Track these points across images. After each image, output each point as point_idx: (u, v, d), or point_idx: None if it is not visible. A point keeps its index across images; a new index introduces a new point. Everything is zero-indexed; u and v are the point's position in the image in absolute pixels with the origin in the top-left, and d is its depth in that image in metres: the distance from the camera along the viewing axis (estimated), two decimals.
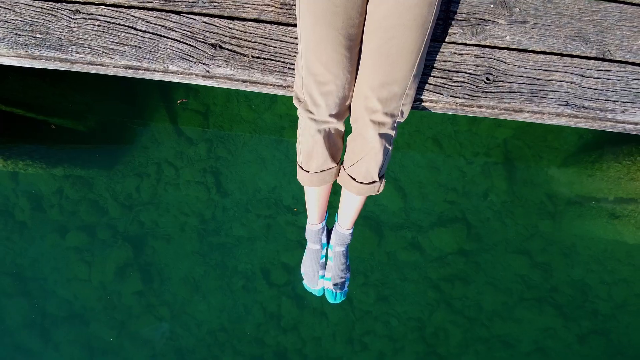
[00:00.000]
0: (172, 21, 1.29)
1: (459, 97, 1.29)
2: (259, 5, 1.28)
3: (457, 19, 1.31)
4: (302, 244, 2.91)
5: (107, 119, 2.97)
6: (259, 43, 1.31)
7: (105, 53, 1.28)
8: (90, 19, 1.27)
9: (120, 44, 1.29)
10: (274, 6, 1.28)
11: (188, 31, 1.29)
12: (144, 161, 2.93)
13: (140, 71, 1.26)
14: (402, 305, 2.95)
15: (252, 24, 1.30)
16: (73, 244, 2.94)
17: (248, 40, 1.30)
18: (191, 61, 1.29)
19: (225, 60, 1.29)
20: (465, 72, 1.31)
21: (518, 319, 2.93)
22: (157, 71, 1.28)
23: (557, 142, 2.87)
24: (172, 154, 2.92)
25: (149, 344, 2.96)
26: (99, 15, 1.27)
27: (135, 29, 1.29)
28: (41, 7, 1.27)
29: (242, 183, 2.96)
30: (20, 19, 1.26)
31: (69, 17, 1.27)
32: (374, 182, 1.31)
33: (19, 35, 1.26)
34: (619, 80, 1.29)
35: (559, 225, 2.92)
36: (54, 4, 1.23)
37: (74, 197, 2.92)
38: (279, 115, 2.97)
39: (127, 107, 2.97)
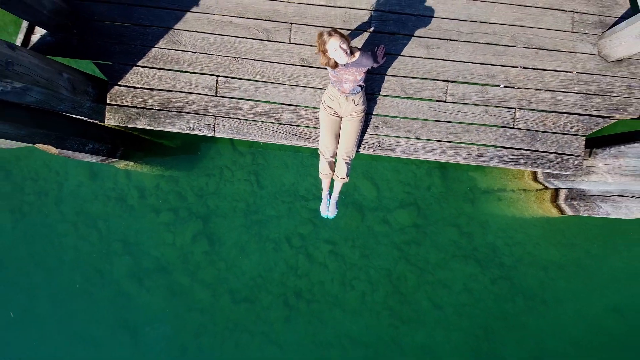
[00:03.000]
0: (278, 129, 3.38)
1: (370, 152, 3.35)
2: (308, 121, 3.36)
3: (371, 125, 3.37)
4: (312, 221, 4.44)
5: (189, 140, 4.57)
6: (308, 133, 3.39)
7: (260, 136, 3.36)
8: (254, 126, 3.36)
9: (264, 133, 3.39)
10: (312, 120, 3.37)
11: (285, 130, 3.37)
12: (211, 166, 4.50)
13: (268, 141, 3.36)
14: (377, 260, 4.45)
15: (305, 127, 3.39)
16: (163, 220, 4.46)
17: (306, 133, 3.39)
18: (286, 139, 3.36)
19: (297, 140, 3.37)
20: (373, 143, 3.34)
21: (452, 269, 4.41)
22: (275, 142, 3.35)
23: None
24: (230, 161, 4.50)
25: (210, 287, 4.43)
26: (258, 125, 3.36)
27: (276, 132, 3.39)
28: (236, 121, 3.36)
29: (273, 180, 4.53)
30: (231, 125, 3.37)
31: (248, 122, 3.37)
32: (344, 177, 3.28)
33: (230, 129, 3.36)
34: (421, 145, 3.35)
35: (477, 207, 4.45)
36: (241, 120, 3.34)
37: (166, 189, 4.48)
38: None
39: None
